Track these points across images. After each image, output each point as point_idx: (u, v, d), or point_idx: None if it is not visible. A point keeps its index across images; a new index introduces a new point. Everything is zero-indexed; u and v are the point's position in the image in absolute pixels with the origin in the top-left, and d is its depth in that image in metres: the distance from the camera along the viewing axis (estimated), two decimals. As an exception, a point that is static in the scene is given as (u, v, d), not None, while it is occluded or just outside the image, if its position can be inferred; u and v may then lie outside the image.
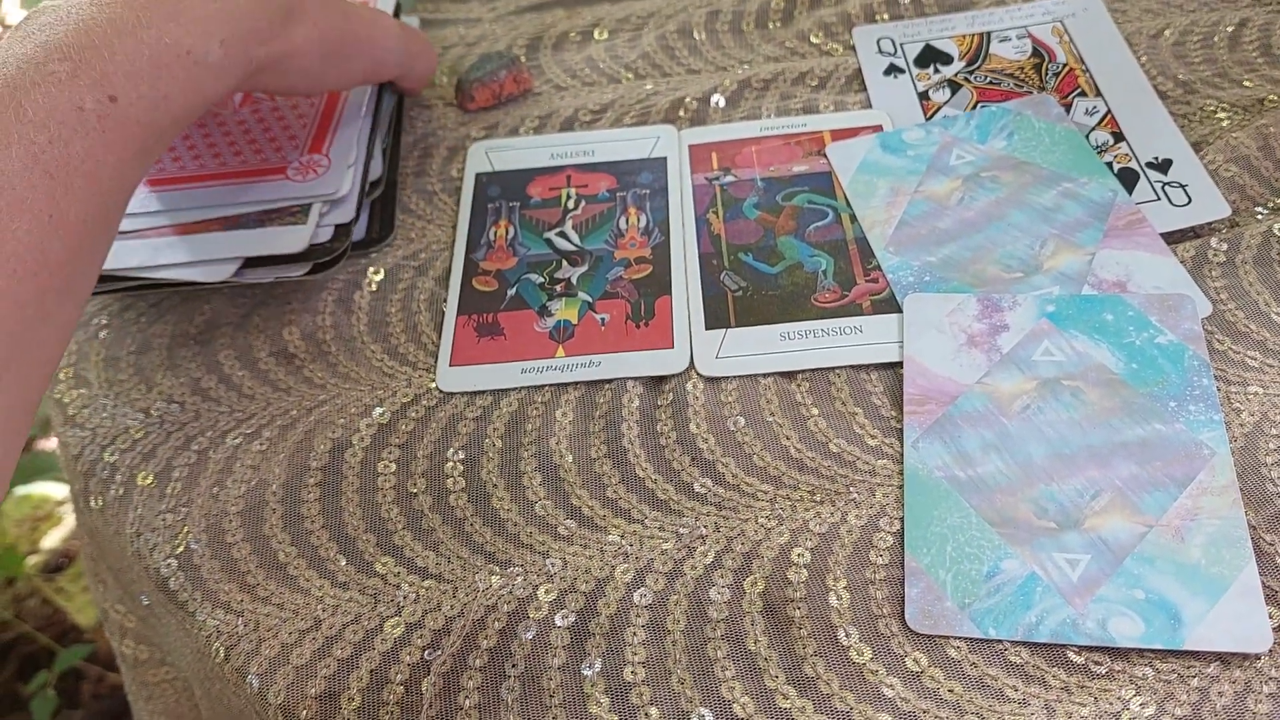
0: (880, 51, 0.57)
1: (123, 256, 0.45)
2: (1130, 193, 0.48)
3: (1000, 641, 0.35)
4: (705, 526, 0.39)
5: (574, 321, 0.46)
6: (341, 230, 0.46)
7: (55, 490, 1.26)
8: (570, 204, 0.51)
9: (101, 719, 1.11)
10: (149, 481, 0.42)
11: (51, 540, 1.24)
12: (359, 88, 0.52)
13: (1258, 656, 0.34)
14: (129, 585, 0.45)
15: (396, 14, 0.57)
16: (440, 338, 0.46)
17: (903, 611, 0.36)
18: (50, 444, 1.30)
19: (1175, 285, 0.44)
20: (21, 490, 1.22)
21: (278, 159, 0.49)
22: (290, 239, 0.45)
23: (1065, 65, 0.55)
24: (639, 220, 0.50)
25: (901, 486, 0.39)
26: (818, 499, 0.40)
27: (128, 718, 1.10)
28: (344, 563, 0.39)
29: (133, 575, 0.43)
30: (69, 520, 1.27)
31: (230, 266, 0.45)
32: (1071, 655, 0.35)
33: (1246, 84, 0.53)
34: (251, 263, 0.45)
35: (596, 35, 0.61)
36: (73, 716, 1.10)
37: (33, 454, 1.24)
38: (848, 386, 0.43)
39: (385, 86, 0.54)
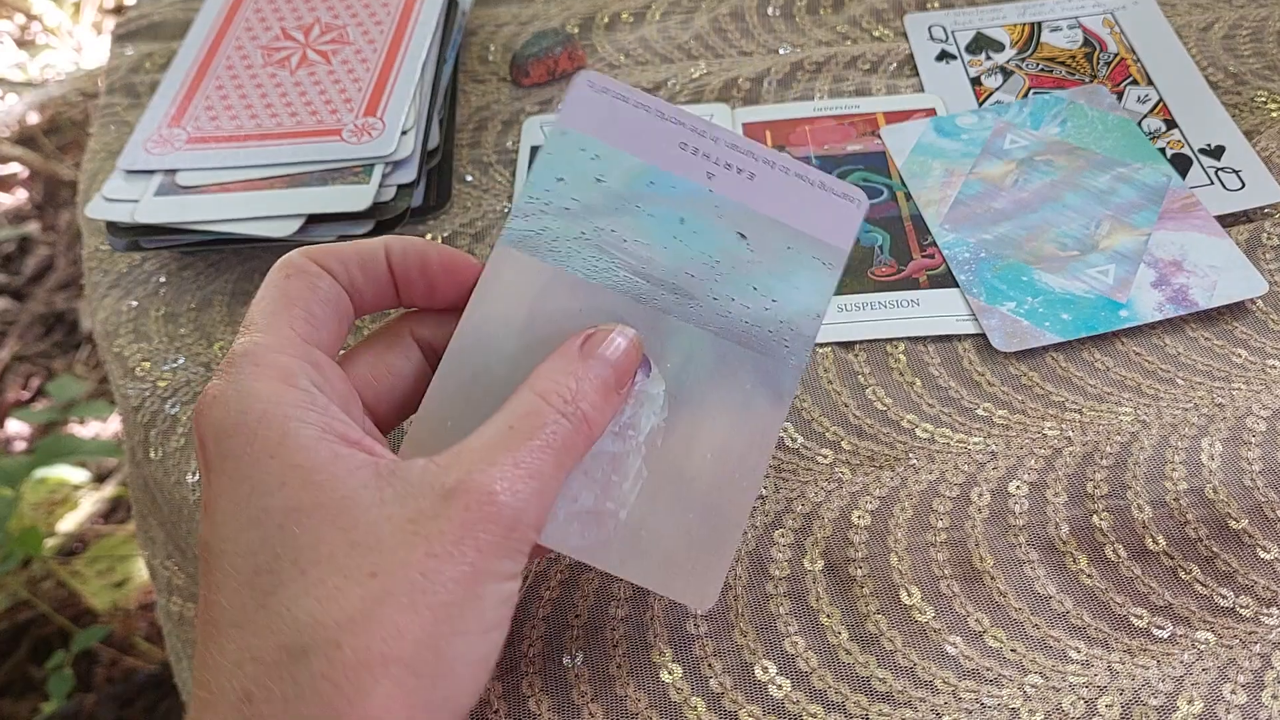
0: (932, 38, 0.57)
1: (187, 210, 0.46)
2: (1183, 178, 0.48)
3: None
4: (765, 488, 0.39)
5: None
6: (404, 190, 0.47)
7: (73, 474, 1.27)
8: (625, 177, 0.52)
9: (115, 702, 1.11)
10: (210, 432, 0.43)
11: (68, 524, 1.24)
12: (415, 52, 0.52)
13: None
14: (181, 539, 0.46)
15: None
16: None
17: (968, 558, 0.37)
18: (69, 428, 1.31)
19: (1231, 265, 0.44)
20: (39, 473, 1.22)
21: (333, 121, 0.50)
22: (354, 198, 0.46)
23: (1116, 55, 0.55)
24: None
25: (960, 454, 0.40)
26: (877, 464, 0.40)
27: (141, 701, 1.11)
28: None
29: (189, 526, 0.43)
30: (85, 505, 1.27)
31: (295, 223, 0.45)
32: (1134, 619, 0.35)
33: (1297, 77, 0.53)
34: (314, 220, 0.46)
35: (649, 16, 0.61)
36: (86, 699, 1.10)
37: (53, 438, 1.24)
38: (905, 357, 0.43)
39: (441, 58, 0.54)
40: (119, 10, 1.83)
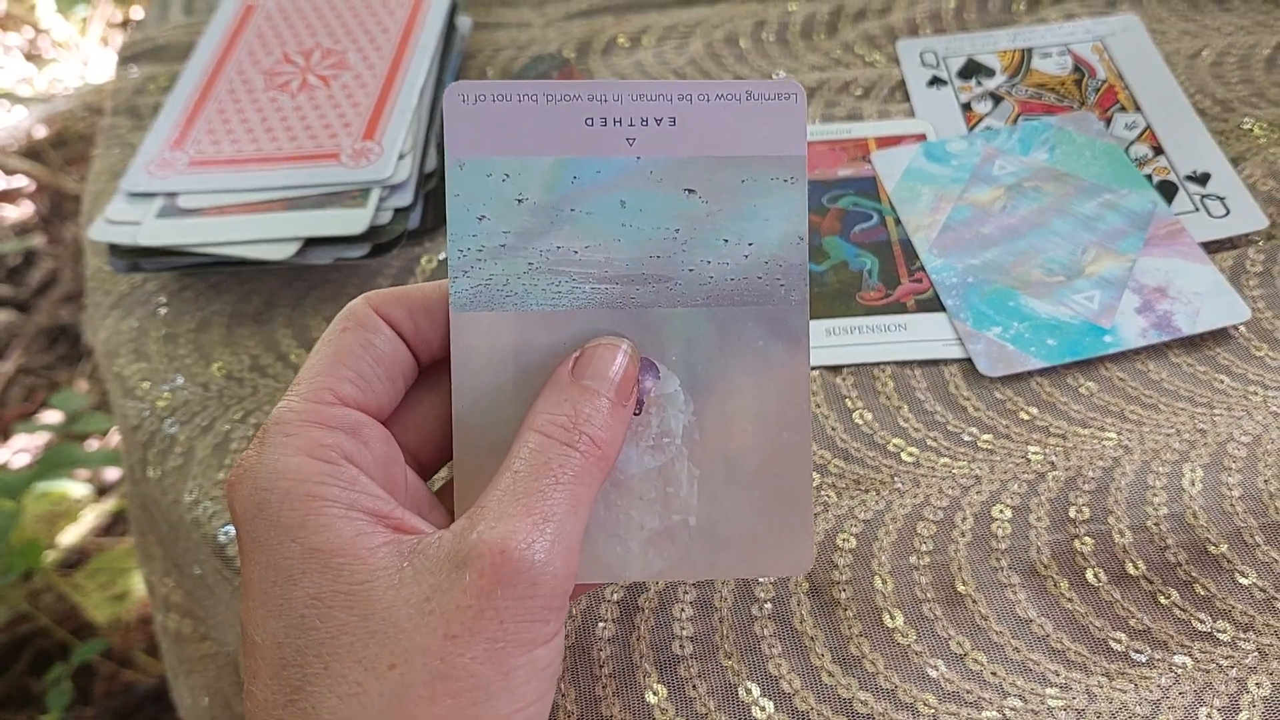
0: (923, 64, 0.58)
1: (188, 233, 0.46)
2: (1169, 204, 0.49)
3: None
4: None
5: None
6: (400, 214, 0.48)
7: (74, 488, 1.27)
8: (619, 201, 0.52)
9: (113, 716, 1.11)
10: (207, 452, 0.44)
11: (69, 537, 1.25)
12: (414, 77, 0.53)
13: None
14: (179, 557, 0.46)
15: (453, 12, 0.58)
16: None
17: (951, 581, 0.37)
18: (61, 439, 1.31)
19: (1215, 292, 0.45)
20: (41, 486, 1.23)
21: (332, 145, 0.50)
22: (351, 221, 0.46)
23: (1105, 81, 0.56)
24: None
25: (945, 478, 0.40)
26: (863, 487, 0.40)
27: (139, 716, 1.11)
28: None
29: (187, 545, 0.44)
30: (87, 518, 1.28)
31: (292, 246, 0.46)
32: (1113, 644, 0.36)
33: (1284, 104, 0.54)
34: (312, 244, 0.46)
35: (645, 41, 0.62)
36: (85, 713, 1.10)
37: (55, 449, 1.25)
38: (892, 381, 0.44)
39: (440, 84, 0.55)
40: (125, 25, 1.85)
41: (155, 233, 0.47)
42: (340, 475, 0.28)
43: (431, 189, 0.52)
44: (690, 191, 0.32)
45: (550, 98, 0.31)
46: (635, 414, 0.31)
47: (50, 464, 1.21)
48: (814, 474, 0.41)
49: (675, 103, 0.32)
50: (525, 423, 0.30)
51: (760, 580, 0.38)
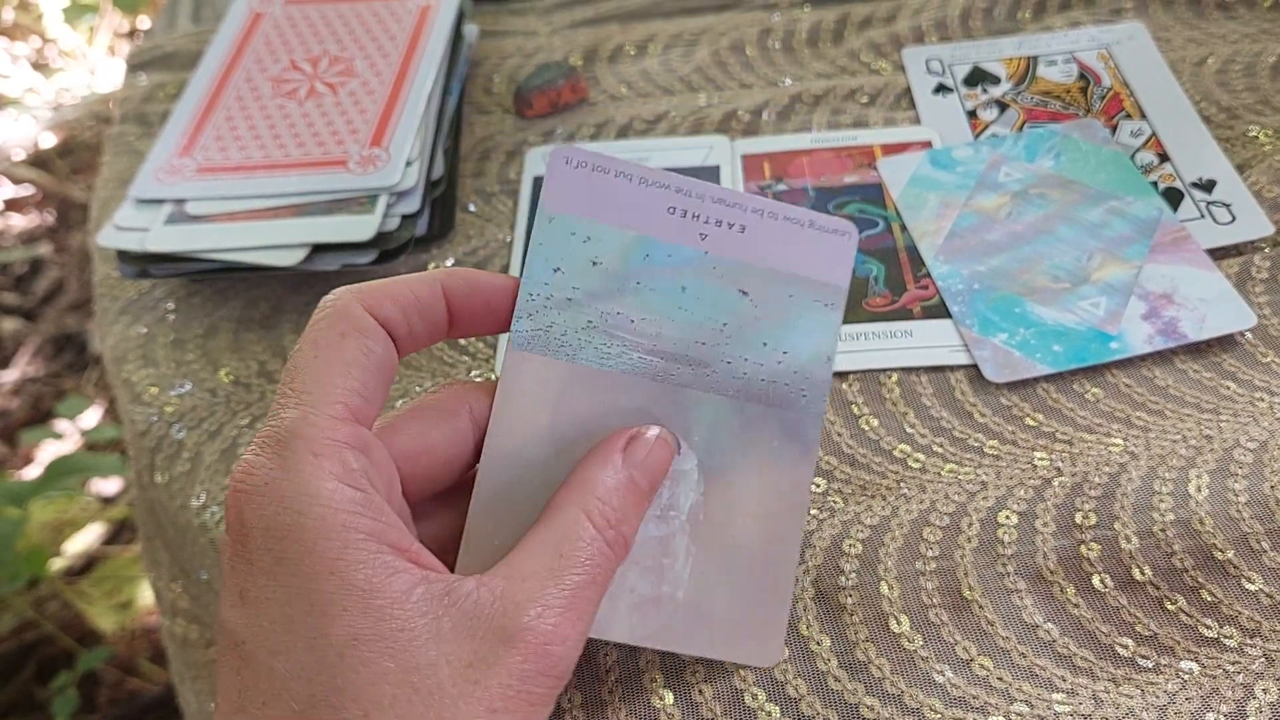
0: (929, 71, 0.58)
1: (196, 239, 0.47)
2: (1175, 211, 0.49)
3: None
4: (758, 516, 0.40)
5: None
6: (407, 221, 0.48)
7: (80, 496, 1.28)
8: (625, 208, 0.52)
9: (118, 724, 1.11)
10: (215, 457, 0.44)
11: (75, 544, 1.25)
12: (421, 85, 0.53)
13: None
14: (186, 562, 0.46)
15: (460, 20, 0.59)
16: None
17: (957, 586, 0.37)
18: (72, 447, 1.32)
19: (1221, 298, 0.45)
20: (48, 494, 1.23)
21: (339, 152, 0.51)
22: (359, 228, 0.47)
23: (1110, 89, 0.56)
24: (692, 225, 0.51)
25: (951, 484, 0.40)
26: (869, 493, 0.41)
27: (144, 723, 1.11)
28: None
29: (194, 550, 0.44)
30: (93, 526, 1.28)
31: (300, 252, 0.46)
32: (1119, 649, 0.36)
33: (1289, 112, 0.54)
34: (320, 250, 0.47)
35: (651, 49, 0.62)
36: (89, 720, 1.10)
37: (62, 457, 1.25)
38: (898, 388, 0.44)
39: (446, 89, 0.55)
40: (132, 35, 1.86)
41: (164, 239, 0.47)
42: (370, 505, 0.27)
43: (438, 195, 0.53)
44: (744, 293, 0.35)
45: (644, 181, 0.34)
46: None
47: (56, 472, 1.22)
48: (816, 486, 0.41)
49: (748, 213, 0.35)
50: (573, 494, 0.30)
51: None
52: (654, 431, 0.32)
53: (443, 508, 0.33)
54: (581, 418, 0.33)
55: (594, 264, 0.34)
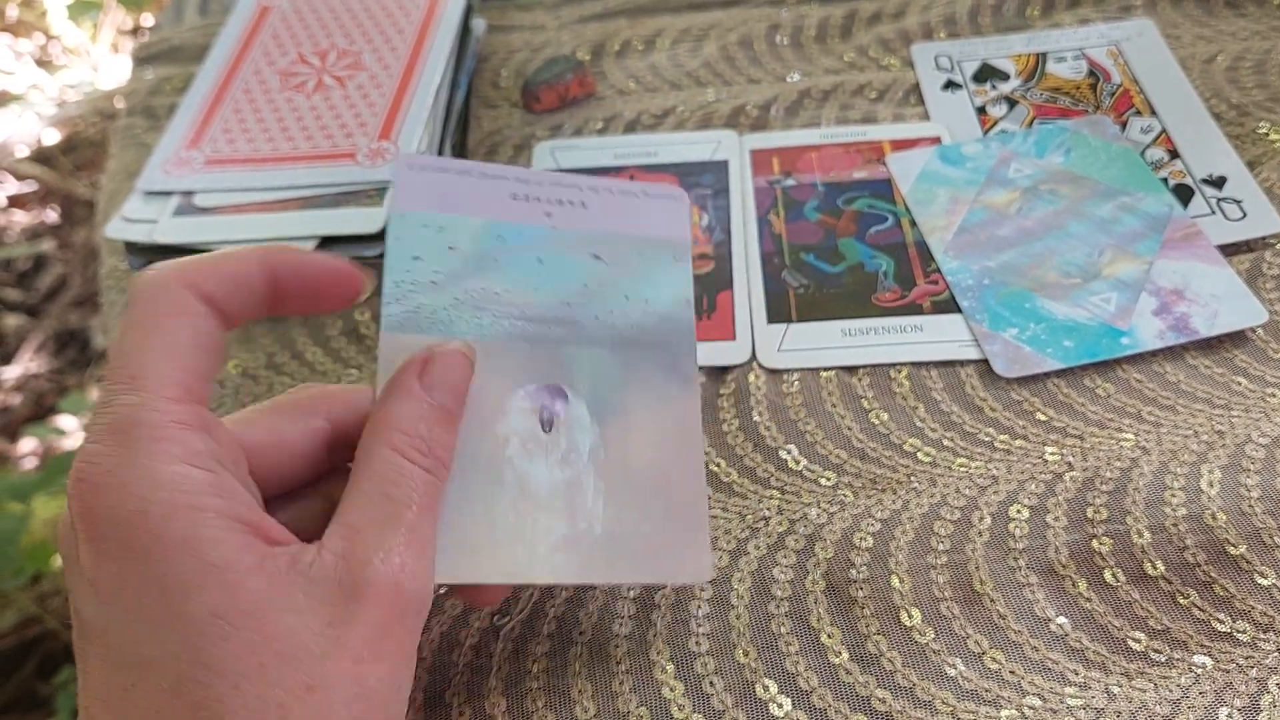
0: (938, 67, 0.58)
1: (204, 231, 0.47)
2: (1185, 208, 0.49)
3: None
4: (768, 509, 0.40)
5: (638, 312, 0.47)
6: (417, 214, 0.48)
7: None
8: (634, 202, 0.52)
9: (120, 719, 1.11)
10: (222, 449, 0.44)
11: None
12: (429, 78, 0.53)
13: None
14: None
15: (468, 14, 0.59)
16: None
17: (968, 580, 0.37)
18: (74, 443, 1.31)
19: (1232, 294, 0.45)
20: (51, 489, 1.23)
21: (348, 144, 0.51)
22: (367, 220, 0.47)
23: (1120, 85, 0.56)
24: (701, 219, 0.51)
25: (962, 478, 0.40)
26: (879, 487, 0.40)
27: None
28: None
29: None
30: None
31: (308, 244, 0.46)
32: (1132, 643, 0.36)
33: (1299, 109, 0.54)
34: (328, 242, 0.47)
35: (659, 44, 0.62)
36: (91, 716, 1.10)
37: (64, 453, 1.25)
38: (908, 382, 0.44)
39: (454, 83, 0.55)
40: (136, 32, 1.86)
41: (172, 231, 0.47)
42: (218, 485, 0.27)
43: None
44: (596, 257, 0.38)
45: (484, 175, 0.38)
46: (545, 433, 0.34)
47: (59, 468, 1.22)
48: (826, 480, 0.41)
49: (585, 191, 0.39)
50: (381, 434, 0.30)
51: (777, 578, 0.38)
52: (450, 346, 0.33)
53: (296, 499, 0.33)
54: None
55: (450, 249, 0.36)
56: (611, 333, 0.37)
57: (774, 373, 0.45)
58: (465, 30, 0.58)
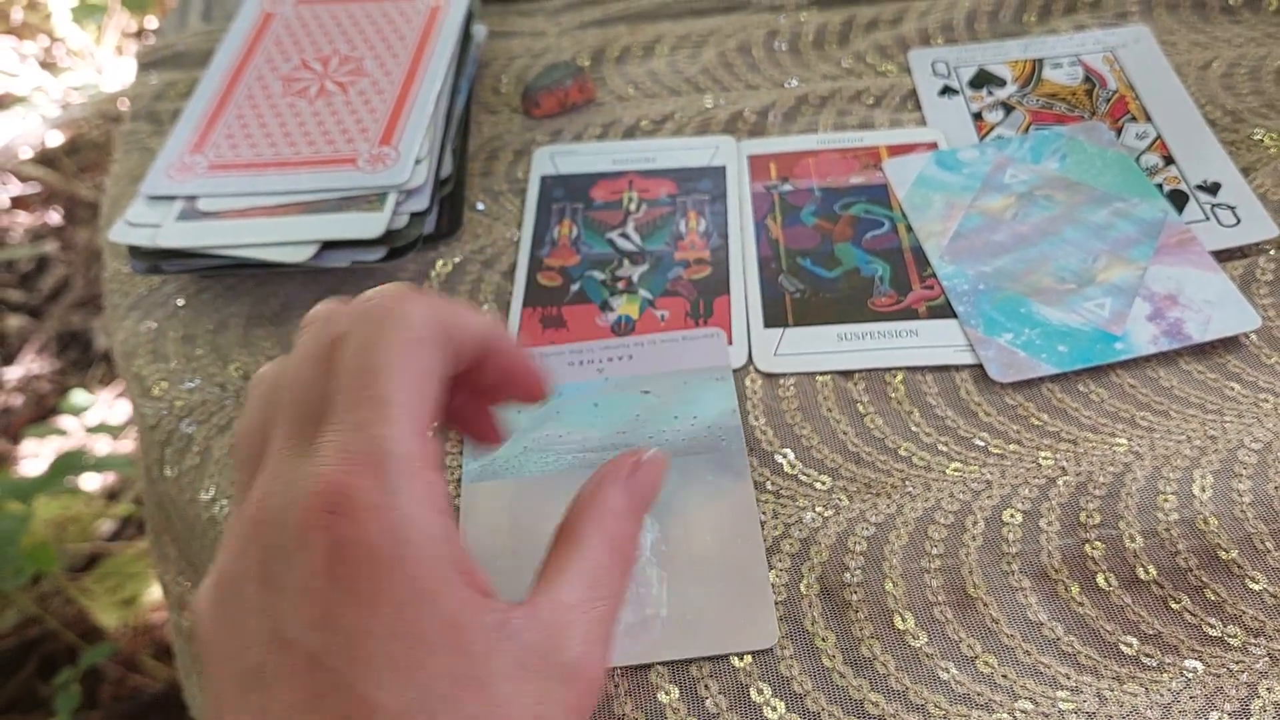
0: (934, 73, 0.59)
1: (207, 235, 0.47)
2: (1180, 213, 0.49)
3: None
4: (764, 513, 0.40)
5: (635, 317, 0.48)
6: (416, 219, 0.48)
7: (85, 490, 1.28)
8: (632, 207, 0.53)
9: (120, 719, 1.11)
10: (224, 452, 0.44)
11: (79, 541, 1.26)
12: (430, 84, 0.54)
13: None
14: (195, 556, 0.47)
15: (469, 21, 0.59)
16: (506, 328, 0.48)
17: (962, 584, 0.37)
18: (71, 443, 1.32)
19: (1225, 300, 0.45)
20: (52, 489, 1.23)
21: (349, 150, 0.51)
22: (368, 225, 0.47)
23: (1116, 91, 0.56)
24: (698, 224, 0.52)
25: (956, 482, 0.41)
26: (874, 491, 0.41)
27: None
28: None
29: (203, 544, 0.44)
30: (96, 523, 1.28)
31: (310, 249, 0.46)
32: (1124, 647, 0.36)
33: (1294, 115, 0.54)
34: (329, 247, 0.47)
35: (658, 50, 0.63)
36: (92, 716, 1.11)
37: (67, 453, 1.25)
38: (904, 387, 0.44)
39: (455, 89, 0.56)
40: (140, 34, 1.86)
41: (175, 235, 0.48)
42: (451, 534, 0.27)
43: (446, 194, 0.53)
44: (646, 393, 0.44)
45: (544, 354, 0.45)
46: None
47: (61, 469, 1.22)
48: (821, 484, 0.41)
49: (632, 346, 0.46)
50: (593, 518, 0.31)
51: (772, 582, 0.38)
52: (651, 453, 0.34)
53: None
54: (536, 517, 0.40)
55: (517, 413, 0.43)
56: (666, 446, 0.42)
57: (770, 377, 0.45)
58: (466, 36, 0.59)
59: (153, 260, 0.48)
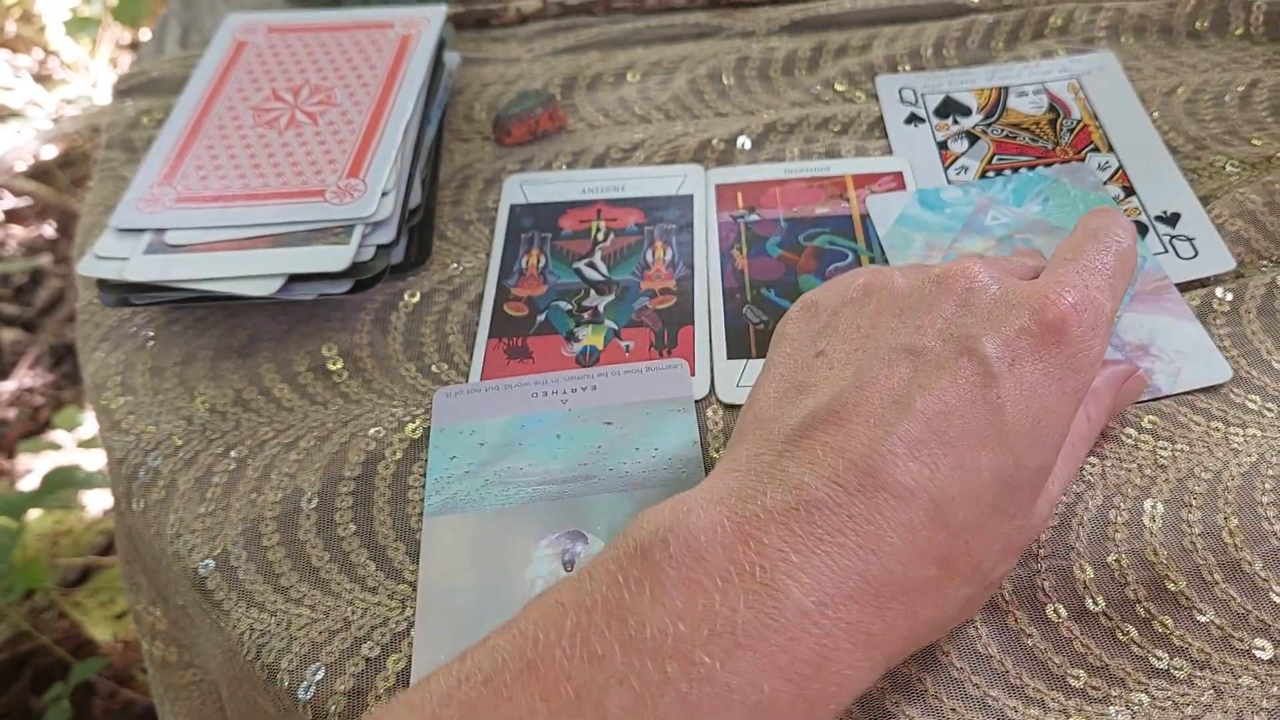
0: (902, 100, 0.59)
1: (174, 269, 0.48)
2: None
3: (998, 660, 0.37)
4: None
5: (600, 347, 0.48)
6: (382, 250, 0.49)
7: (78, 505, 1.28)
8: (600, 236, 0.54)
9: (112, 734, 1.12)
10: (189, 486, 0.44)
11: (71, 556, 1.26)
12: (399, 115, 0.54)
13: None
14: (163, 587, 0.47)
15: (441, 48, 0.60)
16: (471, 358, 0.48)
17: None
18: (68, 458, 1.33)
19: (1198, 351, 0.45)
20: (45, 504, 1.24)
21: (317, 182, 0.52)
22: (334, 258, 0.47)
23: (1080, 121, 0.57)
24: (665, 254, 0.52)
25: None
26: (829, 523, 0.41)
27: (138, 733, 1.12)
28: (374, 568, 0.41)
29: (169, 576, 0.45)
30: (89, 537, 1.29)
31: (276, 282, 0.47)
32: (1071, 680, 0.37)
33: (1256, 142, 0.54)
34: (296, 280, 0.48)
35: (629, 77, 0.63)
36: (84, 730, 1.11)
37: (59, 469, 1.26)
38: (861, 418, 0.45)
39: (425, 118, 0.56)
40: (134, 46, 1.87)
41: (142, 268, 0.48)
42: None
43: (416, 224, 0.53)
44: (608, 424, 0.44)
45: (508, 386, 0.46)
46: (567, 572, 0.39)
47: (54, 484, 1.23)
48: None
49: (596, 377, 0.46)
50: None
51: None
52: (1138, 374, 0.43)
53: None
54: (497, 547, 0.40)
55: (480, 444, 0.44)
56: (625, 480, 0.42)
57: (732, 408, 0.46)
58: (438, 64, 0.59)
59: (121, 293, 0.48)
